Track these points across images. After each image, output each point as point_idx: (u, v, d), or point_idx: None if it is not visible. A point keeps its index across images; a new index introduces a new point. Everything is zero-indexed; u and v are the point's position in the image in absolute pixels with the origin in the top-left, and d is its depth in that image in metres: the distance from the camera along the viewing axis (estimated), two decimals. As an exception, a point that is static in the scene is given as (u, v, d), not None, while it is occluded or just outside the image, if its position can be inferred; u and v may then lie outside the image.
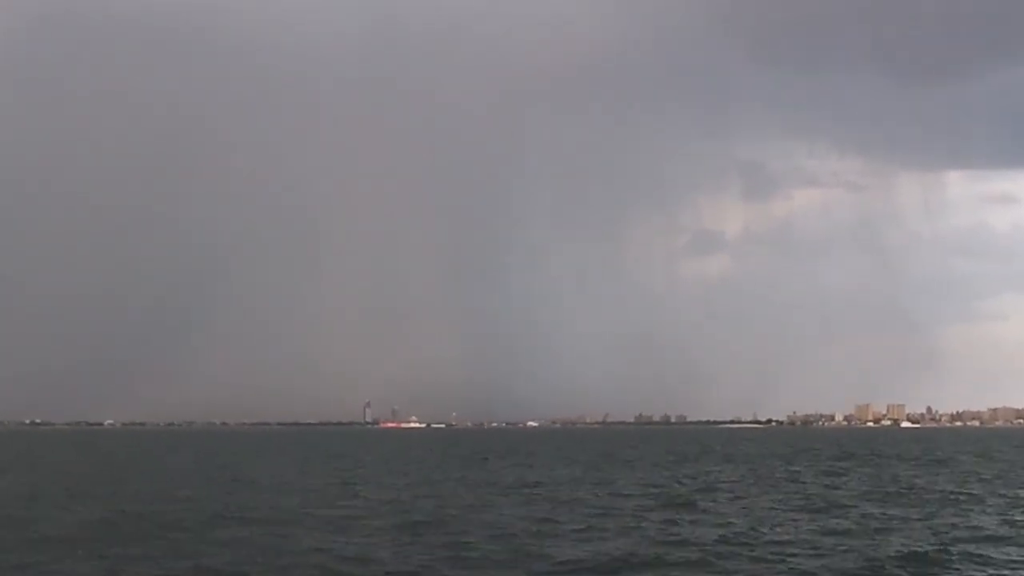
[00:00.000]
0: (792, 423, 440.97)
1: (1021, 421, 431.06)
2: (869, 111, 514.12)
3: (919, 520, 33.61)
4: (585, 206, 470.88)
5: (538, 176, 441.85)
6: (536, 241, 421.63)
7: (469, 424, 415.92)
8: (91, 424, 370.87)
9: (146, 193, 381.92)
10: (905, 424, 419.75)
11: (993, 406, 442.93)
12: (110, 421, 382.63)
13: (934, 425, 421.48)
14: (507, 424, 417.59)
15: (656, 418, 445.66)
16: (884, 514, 35.43)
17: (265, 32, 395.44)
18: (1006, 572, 24.26)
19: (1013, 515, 35.43)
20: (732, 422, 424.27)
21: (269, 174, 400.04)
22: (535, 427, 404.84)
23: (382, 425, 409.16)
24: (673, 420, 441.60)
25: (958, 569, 24.39)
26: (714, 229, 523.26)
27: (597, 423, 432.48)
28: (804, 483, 51.58)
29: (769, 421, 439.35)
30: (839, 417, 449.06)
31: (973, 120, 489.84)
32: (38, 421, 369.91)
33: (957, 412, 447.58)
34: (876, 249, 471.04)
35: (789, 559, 25.38)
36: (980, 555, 26.20)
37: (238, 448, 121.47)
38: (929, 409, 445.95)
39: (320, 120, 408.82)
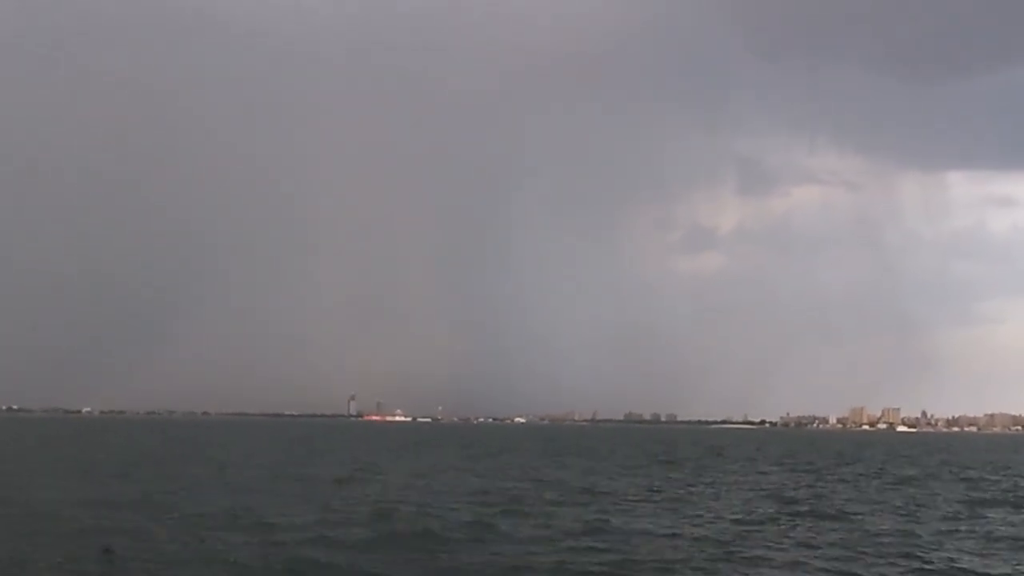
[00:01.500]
0: (786, 424, 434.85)
1: (1019, 428, 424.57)
2: (871, 108, 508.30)
3: None
4: (579, 200, 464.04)
5: (532, 169, 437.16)
6: (528, 235, 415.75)
7: (455, 419, 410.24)
8: (69, 412, 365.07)
9: (130, 177, 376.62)
10: (901, 428, 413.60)
11: (989, 411, 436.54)
12: (88, 409, 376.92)
13: (930, 430, 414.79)
14: (493, 420, 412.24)
15: (646, 416, 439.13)
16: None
17: (257, 17, 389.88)
18: None
19: None
20: (723, 422, 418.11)
21: (258, 160, 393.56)
22: (522, 423, 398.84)
23: (366, 418, 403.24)
24: (663, 419, 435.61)
25: None
26: (709, 225, 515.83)
27: (586, 421, 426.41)
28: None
29: (762, 422, 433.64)
30: (832, 420, 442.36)
31: (976, 120, 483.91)
32: (15, 407, 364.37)
33: (953, 417, 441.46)
34: (874, 249, 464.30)
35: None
36: None
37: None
38: (924, 413, 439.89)
39: (311, 106, 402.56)
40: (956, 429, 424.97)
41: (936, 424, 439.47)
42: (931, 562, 24.48)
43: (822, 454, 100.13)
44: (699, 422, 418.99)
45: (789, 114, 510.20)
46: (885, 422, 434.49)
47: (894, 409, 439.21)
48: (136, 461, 60.43)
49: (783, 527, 30.69)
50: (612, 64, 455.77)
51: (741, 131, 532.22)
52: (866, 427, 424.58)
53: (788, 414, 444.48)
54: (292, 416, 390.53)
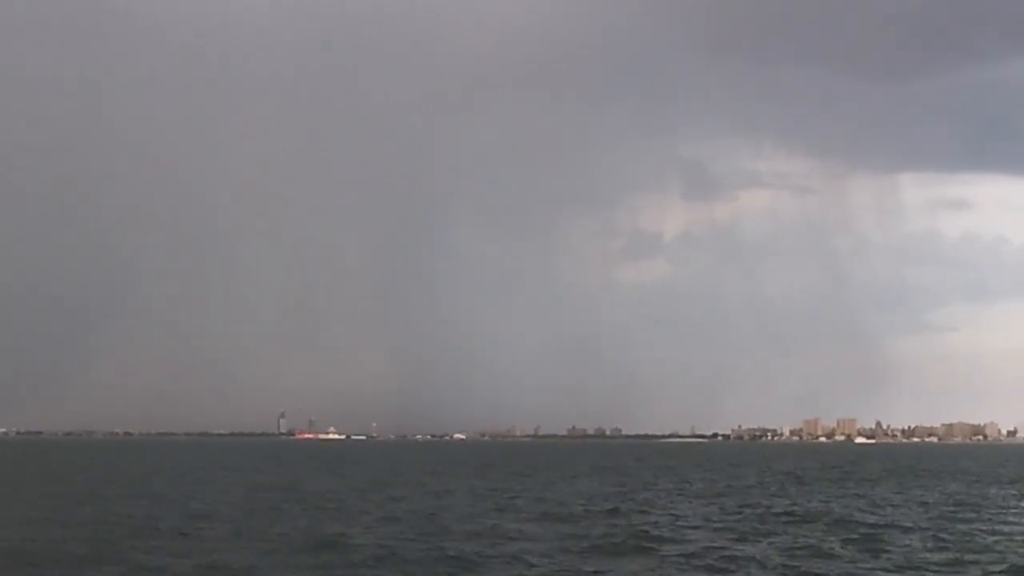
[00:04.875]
0: (739, 437, 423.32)
1: (979, 438, 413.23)
2: (820, 109, 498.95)
3: None
4: (517, 207, 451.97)
5: (468, 175, 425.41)
6: (465, 243, 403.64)
7: (392, 436, 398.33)
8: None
9: (47, 186, 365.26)
10: (859, 440, 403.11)
11: (945, 421, 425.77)
12: (3, 430, 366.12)
13: (889, 441, 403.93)
14: (432, 436, 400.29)
15: (591, 431, 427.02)
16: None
17: (183, 19, 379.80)
18: None
19: None
20: (670, 436, 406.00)
21: (181, 172, 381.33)
22: (463, 440, 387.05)
23: (298, 436, 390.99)
24: (608, 433, 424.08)
25: None
26: (653, 231, 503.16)
27: (528, 436, 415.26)
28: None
29: (714, 435, 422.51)
30: (786, 432, 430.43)
31: (928, 121, 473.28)
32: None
33: (909, 427, 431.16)
34: (824, 255, 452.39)
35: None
36: None
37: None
38: (879, 424, 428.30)
39: (235, 111, 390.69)
40: (916, 440, 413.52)
41: (894, 435, 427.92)
42: None
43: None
44: (645, 436, 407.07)
45: (736, 115, 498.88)
46: (842, 433, 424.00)
47: (849, 420, 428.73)
48: None
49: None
50: (549, 65, 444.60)
51: (686, 133, 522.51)
52: (823, 439, 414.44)
53: (740, 426, 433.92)
54: (220, 435, 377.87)
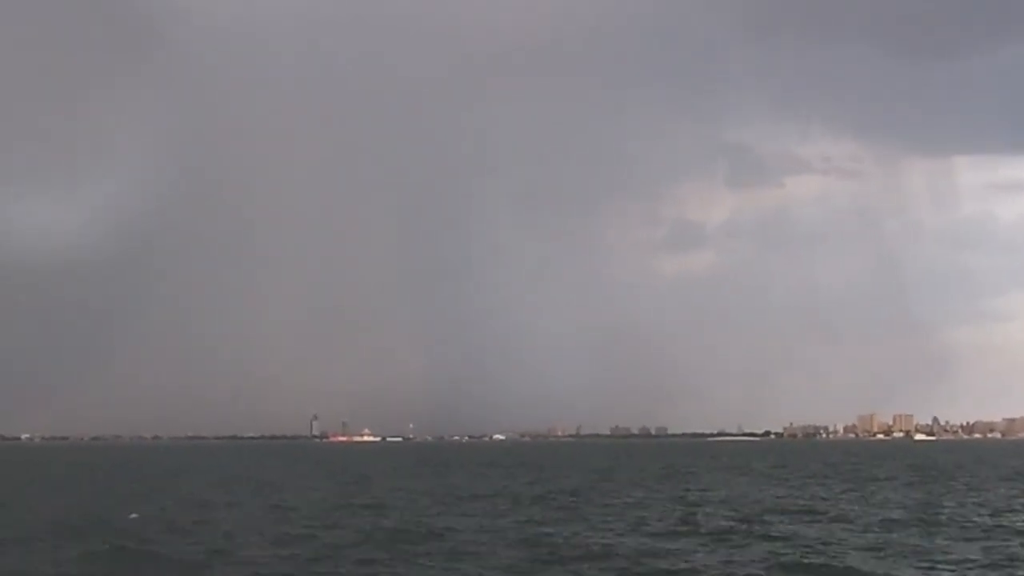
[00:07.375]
0: (792, 436, 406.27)
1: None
2: (869, 90, 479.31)
3: None
4: (554, 198, 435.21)
5: (503, 164, 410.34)
6: (501, 236, 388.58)
7: (429, 438, 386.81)
8: (7, 439, 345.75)
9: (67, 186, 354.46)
10: (919, 437, 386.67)
11: (1007, 416, 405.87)
12: (27, 435, 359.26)
13: (950, 438, 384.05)
14: (470, 437, 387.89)
15: (634, 430, 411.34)
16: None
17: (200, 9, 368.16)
18: None
19: None
20: (719, 435, 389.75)
21: (201, 168, 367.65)
22: (502, 440, 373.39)
23: (331, 439, 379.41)
24: (653, 432, 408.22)
25: None
26: (697, 220, 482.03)
27: (570, 436, 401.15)
28: None
29: (766, 433, 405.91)
30: (840, 429, 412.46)
31: (983, 101, 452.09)
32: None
33: (968, 423, 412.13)
34: (875, 242, 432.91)
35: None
36: None
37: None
38: (936, 419, 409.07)
39: (258, 105, 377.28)
40: (978, 436, 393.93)
41: (954, 431, 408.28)
42: None
43: None
44: (693, 435, 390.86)
45: (782, 98, 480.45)
46: (900, 430, 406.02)
47: (906, 416, 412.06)
48: None
49: None
50: (587, 48, 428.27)
51: (730, 117, 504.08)
52: (880, 436, 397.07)
53: (792, 424, 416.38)
54: (250, 439, 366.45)
